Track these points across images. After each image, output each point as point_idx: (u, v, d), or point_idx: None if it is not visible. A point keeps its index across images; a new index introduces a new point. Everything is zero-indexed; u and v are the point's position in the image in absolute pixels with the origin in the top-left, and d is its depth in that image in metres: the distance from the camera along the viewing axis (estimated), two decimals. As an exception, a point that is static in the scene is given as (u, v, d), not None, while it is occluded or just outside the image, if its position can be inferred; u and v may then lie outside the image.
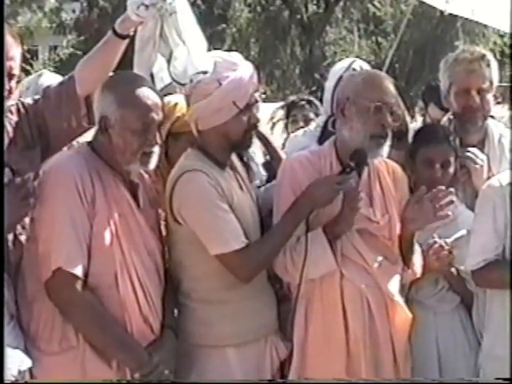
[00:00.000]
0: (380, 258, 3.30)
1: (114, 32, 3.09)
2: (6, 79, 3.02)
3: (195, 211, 3.14)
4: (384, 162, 3.42)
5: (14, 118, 3.13)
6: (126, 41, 3.12)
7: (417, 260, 3.40)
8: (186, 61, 3.19)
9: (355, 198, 3.17)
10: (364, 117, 3.23)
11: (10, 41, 3.05)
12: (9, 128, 3.09)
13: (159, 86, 3.32)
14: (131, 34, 3.13)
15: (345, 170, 3.21)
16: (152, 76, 3.30)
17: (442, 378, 3.43)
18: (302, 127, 5.18)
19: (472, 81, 3.76)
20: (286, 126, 5.66)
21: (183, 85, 3.26)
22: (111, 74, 3.16)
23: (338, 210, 3.20)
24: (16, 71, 3.07)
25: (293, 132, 5.23)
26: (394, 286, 3.32)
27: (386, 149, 3.29)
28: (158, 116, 3.06)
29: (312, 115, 5.46)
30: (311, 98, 5.82)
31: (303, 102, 5.64)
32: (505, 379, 3.03)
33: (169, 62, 3.23)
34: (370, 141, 3.23)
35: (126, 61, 3.33)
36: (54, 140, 3.19)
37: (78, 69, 3.18)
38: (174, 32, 3.17)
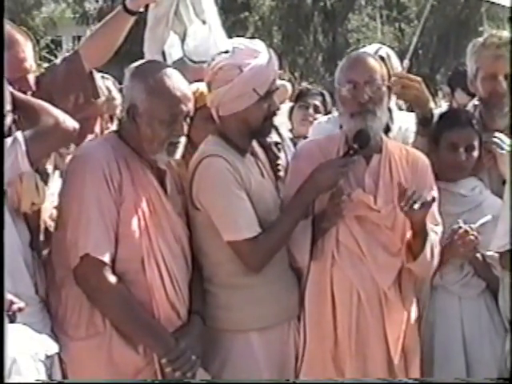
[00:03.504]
0: (379, 249, 3.26)
1: (125, 8, 3.06)
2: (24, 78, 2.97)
3: (212, 196, 3.15)
4: (405, 150, 3.40)
5: None
6: (134, 18, 3.10)
7: (427, 252, 3.27)
8: (206, 40, 3.21)
9: (338, 195, 3.18)
10: (341, 100, 3.31)
11: (20, 40, 2.99)
12: None
13: (168, 61, 3.32)
14: (141, 11, 3.11)
15: (348, 152, 3.23)
16: (163, 53, 3.30)
17: (460, 378, 3.37)
18: (310, 115, 5.27)
19: (499, 66, 3.71)
20: (291, 110, 5.67)
21: (195, 62, 3.27)
22: (140, 62, 3.16)
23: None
24: (32, 67, 3.02)
25: (304, 117, 5.31)
26: (389, 278, 3.26)
27: (378, 123, 3.27)
28: (186, 107, 3.06)
29: (322, 107, 5.52)
30: (324, 91, 5.88)
31: (316, 91, 5.74)
32: (505, 379, 3.00)
33: (183, 40, 3.24)
34: (352, 120, 3.26)
35: (136, 38, 3.31)
36: None
37: (83, 45, 3.13)
38: (191, 10, 3.17)
